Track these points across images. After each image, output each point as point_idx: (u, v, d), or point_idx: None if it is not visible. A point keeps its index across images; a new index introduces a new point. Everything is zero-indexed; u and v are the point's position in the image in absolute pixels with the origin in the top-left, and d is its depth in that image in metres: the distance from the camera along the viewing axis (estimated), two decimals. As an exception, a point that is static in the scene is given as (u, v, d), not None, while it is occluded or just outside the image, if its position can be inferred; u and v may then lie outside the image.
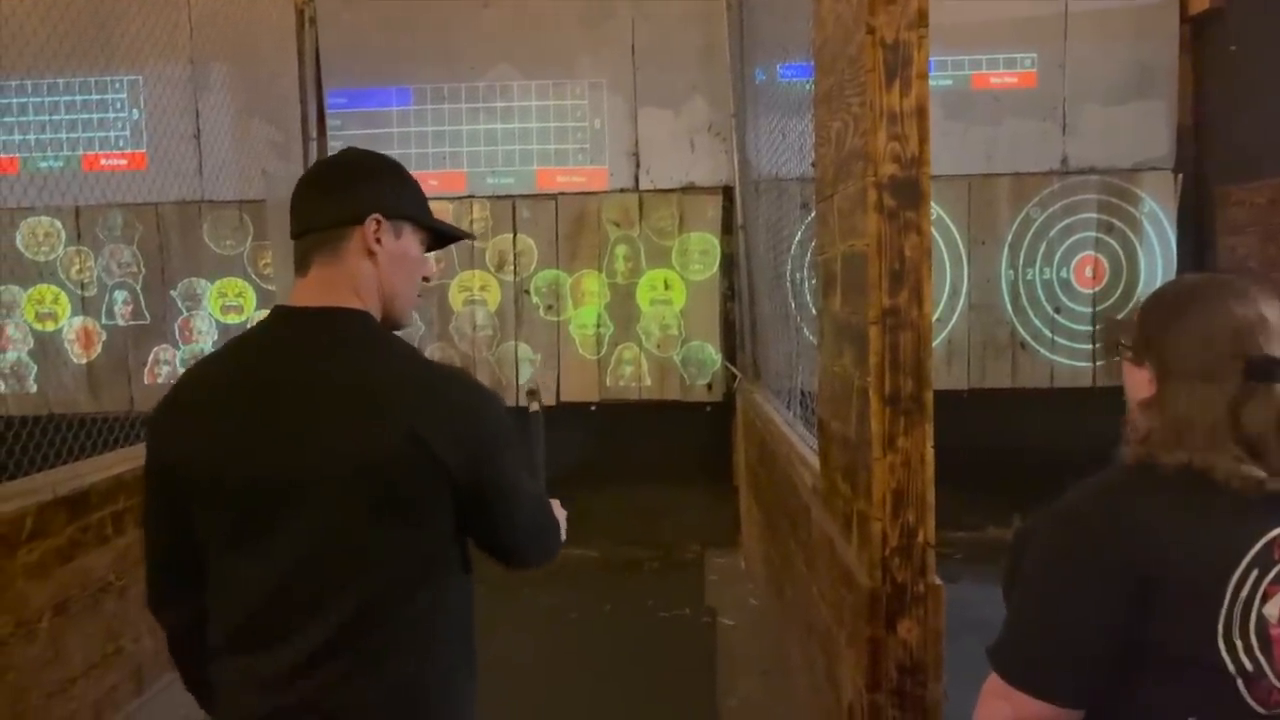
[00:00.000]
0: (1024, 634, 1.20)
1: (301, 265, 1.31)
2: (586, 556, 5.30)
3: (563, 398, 5.48)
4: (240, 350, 1.30)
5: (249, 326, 1.35)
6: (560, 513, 1.63)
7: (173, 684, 3.57)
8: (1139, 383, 1.24)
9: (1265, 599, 1.11)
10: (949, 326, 5.32)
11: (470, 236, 1.63)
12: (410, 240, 1.36)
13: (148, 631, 3.49)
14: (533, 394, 1.92)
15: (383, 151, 1.42)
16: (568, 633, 4.24)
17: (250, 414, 1.22)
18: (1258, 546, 1.11)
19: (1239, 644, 1.11)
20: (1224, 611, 1.11)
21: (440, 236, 1.44)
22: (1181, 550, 1.12)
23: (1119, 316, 5.21)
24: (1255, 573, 1.11)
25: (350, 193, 1.31)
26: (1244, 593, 1.11)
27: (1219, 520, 1.13)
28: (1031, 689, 1.16)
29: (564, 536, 1.59)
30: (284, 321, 1.30)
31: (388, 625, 1.22)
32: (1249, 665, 1.11)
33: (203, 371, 1.31)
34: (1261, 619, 1.11)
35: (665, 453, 5.55)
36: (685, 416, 5.53)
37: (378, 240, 1.30)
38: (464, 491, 1.24)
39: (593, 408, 5.51)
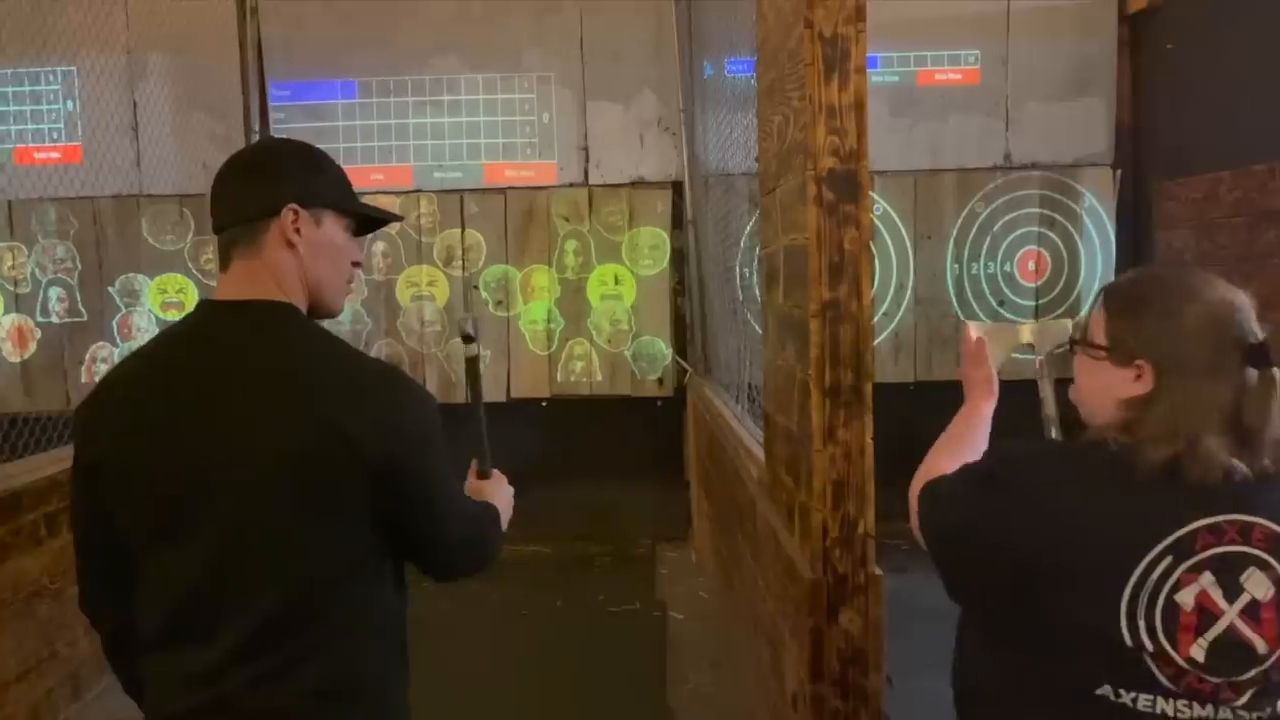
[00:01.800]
0: (934, 503, 1.35)
1: (223, 260, 1.30)
2: (538, 553, 5.29)
3: (513, 394, 5.45)
4: (164, 345, 1.28)
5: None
6: (506, 491, 1.61)
7: (110, 688, 3.49)
8: (1115, 382, 1.23)
9: (1179, 586, 1.13)
10: (895, 320, 5.38)
11: (398, 219, 1.59)
12: (333, 227, 1.33)
13: (84, 635, 3.42)
14: (468, 337, 1.73)
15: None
16: (519, 629, 4.22)
17: (170, 409, 1.21)
18: (1179, 534, 1.13)
19: (1142, 624, 1.13)
20: (1129, 592, 1.13)
21: (369, 220, 1.42)
22: (1085, 535, 1.15)
23: (1055, 316, 5.29)
24: (1170, 559, 1.13)
25: (264, 184, 1.29)
26: (1154, 576, 1.13)
27: (1137, 508, 1.15)
28: (919, 529, 1.36)
29: (507, 518, 1.57)
30: (206, 315, 1.28)
31: (311, 625, 1.20)
32: (1149, 645, 1.13)
33: (128, 367, 1.29)
34: (1172, 605, 1.13)
35: (617, 448, 5.54)
36: (636, 412, 5.53)
37: (296, 230, 1.28)
38: (383, 491, 1.22)
39: (543, 403, 5.49)
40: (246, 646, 1.18)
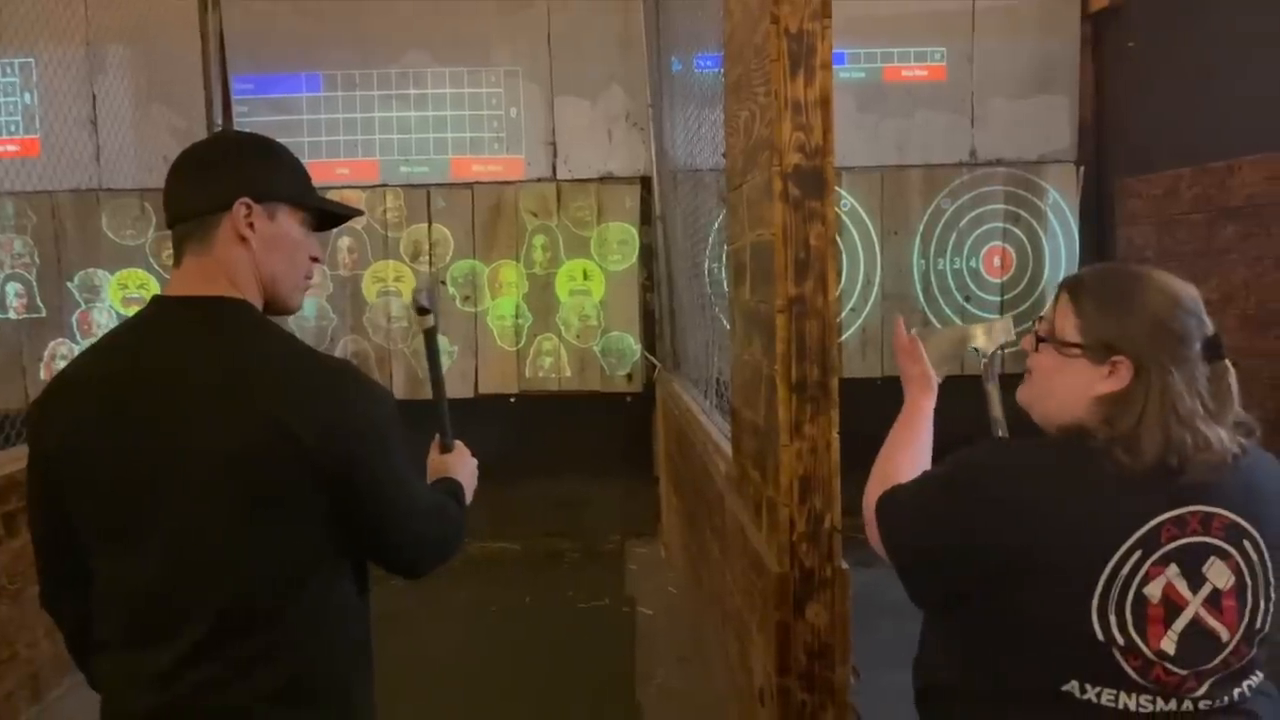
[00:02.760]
0: (897, 513, 1.34)
1: (176, 255, 1.28)
2: (507, 549, 5.28)
3: (481, 389, 5.43)
4: (116, 341, 1.26)
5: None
6: (470, 465, 1.60)
7: (71, 690, 3.44)
8: (1089, 379, 1.23)
9: (1147, 579, 1.14)
10: (862, 316, 5.41)
11: (357, 213, 1.56)
12: (288, 222, 1.31)
13: (45, 636, 3.36)
14: (423, 310, 1.65)
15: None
16: (487, 626, 4.21)
17: (121, 407, 1.19)
18: (1146, 528, 1.14)
19: (1113, 619, 1.15)
20: (1101, 585, 1.14)
21: (329, 215, 1.40)
22: (1060, 531, 1.16)
23: (1020, 311, 5.35)
24: (1139, 553, 1.14)
25: (216, 178, 1.26)
26: (1124, 570, 1.14)
27: (1110, 502, 1.16)
28: (882, 545, 1.35)
29: (471, 493, 1.55)
30: (158, 312, 1.26)
31: (268, 626, 1.19)
32: (1120, 639, 1.15)
33: (81, 363, 1.27)
34: (1141, 598, 1.15)
35: (586, 444, 5.53)
36: (605, 407, 5.52)
37: (249, 225, 1.26)
38: (336, 490, 1.20)
39: (512, 399, 5.47)
40: (201, 648, 1.17)
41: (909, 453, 1.50)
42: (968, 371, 5.44)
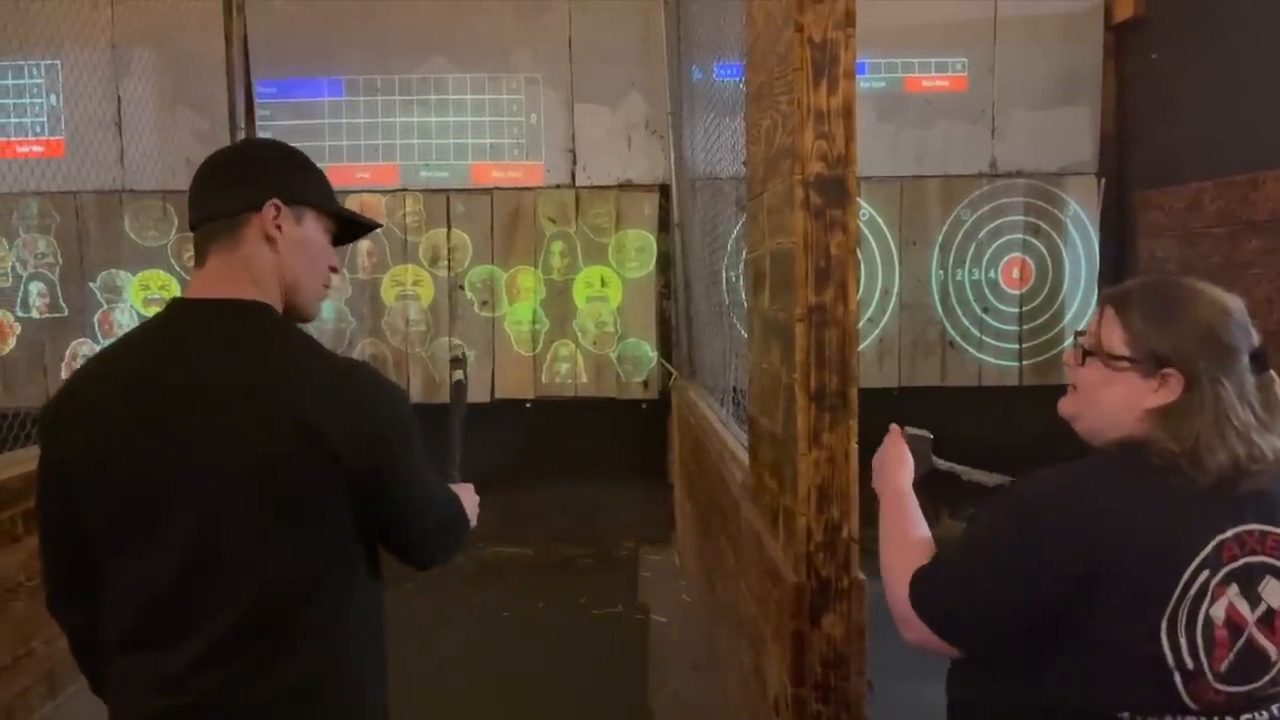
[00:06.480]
0: (949, 579, 1.25)
1: (199, 256, 1.28)
2: (521, 554, 5.28)
3: (497, 394, 5.43)
4: (134, 344, 1.27)
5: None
6: (472, 499, 1.62)
7: (86, 688, 3.45)
8: (1139, 392, 1.21)
9: (1213, 600, 1.13)
10: (880, 326, 5.39)
11: (377, 225, 1.58)
12: (313, 228, 1.33)
13: (61, 634, 3.38)
14: (457, 361, 1.76)
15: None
16: (500, 631, 4.21)
17: (139, 409, 1.19)
18: (1209, 547, 1.13)
19: (1183, 642, 1.13)
20: (1170, 607, 1.12)
21: (348, 227, 1.41)
22: (1139, 546, 1.14)
23: (1039, 324, 5.32)
24: (1205, 573, 1.13)
25: (248, 179, 1.27)
26: (1193, 591, 1.12)
27: (1178, 519, 1.14)
28: (934, 626, 1.24)
29: (474, 523, 1.57)
30: (179, 314, 1.27)
31: (283, 627, 1.20)
32: (1190, 663, 1.13)
33: (96, 365, 1.27)
34: (1208, 620, 1.13)
35: (601, 450, 5.53)
36: (621, 414, 5.52)
37: (277, 226, 1.27)
38: (362, 490, 1.22)
39: (528, 405, 5.47)
40: (219, 648, 1.17)
41: (916, 535, 1.42)
42: (986, 382, 5.30)
